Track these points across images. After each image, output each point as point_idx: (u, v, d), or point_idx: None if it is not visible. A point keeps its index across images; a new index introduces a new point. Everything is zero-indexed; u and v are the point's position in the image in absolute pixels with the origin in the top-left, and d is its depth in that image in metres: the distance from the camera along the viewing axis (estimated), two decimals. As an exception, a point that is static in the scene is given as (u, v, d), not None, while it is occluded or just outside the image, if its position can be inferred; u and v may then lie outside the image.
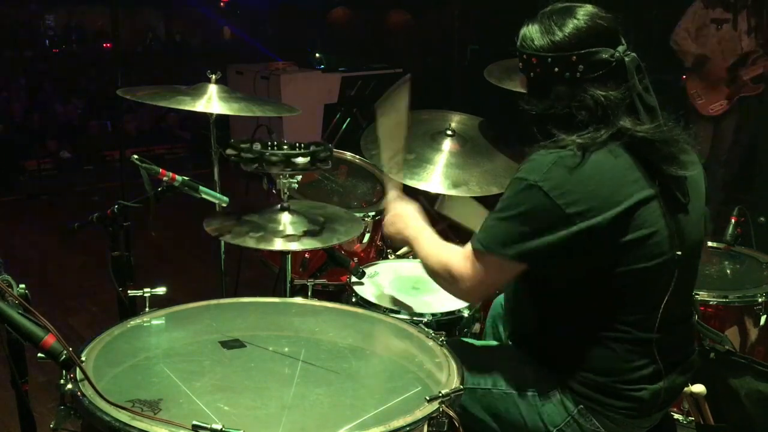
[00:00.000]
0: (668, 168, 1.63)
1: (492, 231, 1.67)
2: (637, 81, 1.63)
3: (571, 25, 1.63)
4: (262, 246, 2.17)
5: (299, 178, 2.28)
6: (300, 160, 2.16)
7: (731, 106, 4.92)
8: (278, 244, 2.16)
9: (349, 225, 2.32)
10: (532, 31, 1.68)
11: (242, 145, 2.21)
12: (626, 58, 1.63)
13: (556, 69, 1.64)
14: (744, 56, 4.84)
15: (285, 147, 2.24)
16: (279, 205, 2.29)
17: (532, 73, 1.70)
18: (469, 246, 1.72)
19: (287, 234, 2.20)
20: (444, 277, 1.78)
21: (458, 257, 1.74)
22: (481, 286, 1.73)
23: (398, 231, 2.03)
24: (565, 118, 1.64)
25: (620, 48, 1.64)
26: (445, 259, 1.78)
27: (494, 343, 1.99)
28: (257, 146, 2.21)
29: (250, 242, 2.16)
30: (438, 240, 1.90)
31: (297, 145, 2.25)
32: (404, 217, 2.03)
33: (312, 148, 2.22)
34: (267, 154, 2.15)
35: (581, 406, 1.72)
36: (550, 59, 1.64)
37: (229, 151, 2.21)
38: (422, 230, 1.95)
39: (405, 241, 2.02)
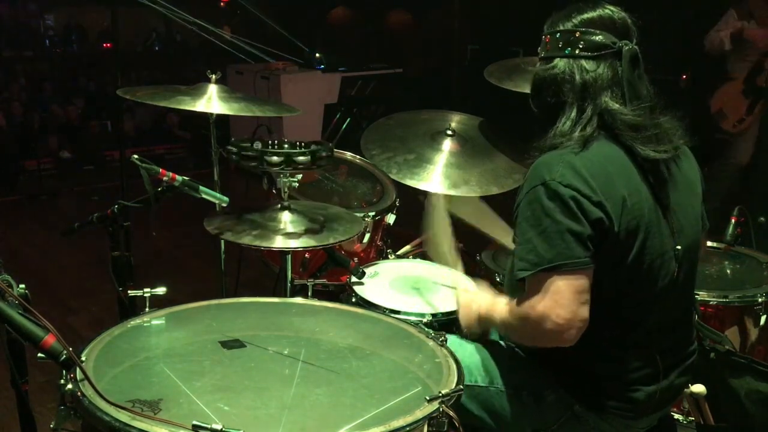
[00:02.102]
0: (645, 148, 1.65)
1: (535, 250, 1.58)
2: (629, 69, 1.67)
3: (588, 14, 1.72)
4: (260, 243, 2.16)
5: (299, 177, 2.28)
6: (301, 159, 2.16)
7: (752, 120, 4.81)
8: (278, 242, 2.16)
9: (348, 225, 2.32)
10: (556, 17, 1.78)
11: (243, 144, 2.21)
12: (624, 47, 1.67)
13: (561, 44, 1.72)
14: (760, 61, 4.78)
15: (286, 146, 2.23)
16: (279, 204, 2.28)
17: (543, 53, 1.78)
18: (524, 283, 1.62)
19: (287, 232, 2.20)
20: (527, 328, 1.62)
21: (524, 299, 1.62)
22: (567, 314, 1.55)
23: (470, 321, 1.88)
24: (553, 89, 1.71)
25: (624, 41, 1.69)
26: (517, 309, 1.65)
27: (492, 341, 1.99)
28: (258, 145, 2.21)
29: (249, 240, 2.16)
30: (504, 299, 1.78)
31: (297, 144, 2.25)
32: (470, 304, 1.89)
33: (312, 147, 2.22)
34: (268, 153, 2.15)
35: (576, 406, 1.73)
36: (558, 35, 1.73)
37: (229, 148, 2.21)
38: (489, 303, 1.83)
39: (483, 323, 1.86)
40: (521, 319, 1.63)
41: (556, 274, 1.56)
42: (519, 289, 1.66)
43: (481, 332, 1.91)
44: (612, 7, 1.73)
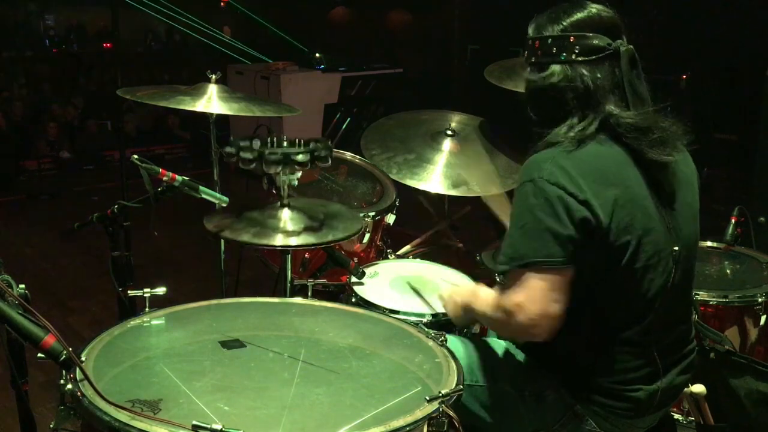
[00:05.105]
0: (651, 151, 1.64)
1: (514, 245, 1.61)
2: (629, 70, 1.67)
3: (576, 15, 1.70)
4: (258, 240, 2.16)
5: (299, 175, 2.27)
6: (299, 158, 2.16)
7: None
8: (278, 240, 2.16)
9: (348, 222, 2.31)
10: (541, 20, 1.75)
11: (242, 144, 2.20)
12: (621, 48, 1.67)
13: (555, 50, 1.70)
14: None
15: (284, 144, 2.23)
16: (279, 203, 2.28)
17: (533, 58, 1.75)
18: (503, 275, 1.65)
19: (287, 230, 2.19)
20: (503, 319, 1.64)
21: (503, 292, 1.65)
22: (537, 310, 1.57)
23: (455, 309, 1.94)
24: (554, 98, 1.69)
25: (618, 41, 1.68)
26: (495, 301, 1.68)
27: (492, 341, 1.99)
28: (257, 144, 2.21)
29: (248, 237, 2.15)
30: (486, 290, 1.81)
31: (297, 141, 2.25)
32: (454, 295, 1.96)
33: (311, 145, 2.22)
34: (266, 153, 2.14)
35: (577, 405, 1.73)
36: (550, 40, 1.71)
37: (228, 150, 2.21)
38: (470, 293, 1.87)
39: (468, 313, 1.90)
40: (497, 311, 1.66)
41: (530, 271, 1.59)
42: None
43: (468, 323, 1.97)
44: (597, 6, 1.71)
